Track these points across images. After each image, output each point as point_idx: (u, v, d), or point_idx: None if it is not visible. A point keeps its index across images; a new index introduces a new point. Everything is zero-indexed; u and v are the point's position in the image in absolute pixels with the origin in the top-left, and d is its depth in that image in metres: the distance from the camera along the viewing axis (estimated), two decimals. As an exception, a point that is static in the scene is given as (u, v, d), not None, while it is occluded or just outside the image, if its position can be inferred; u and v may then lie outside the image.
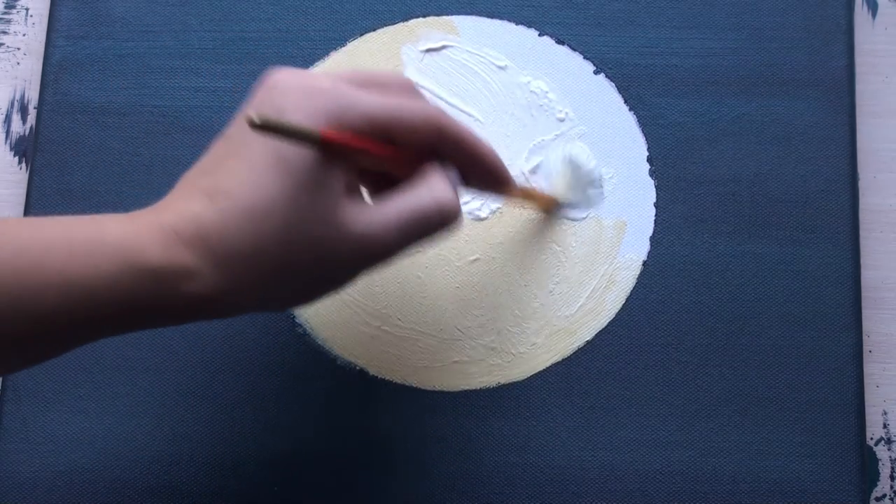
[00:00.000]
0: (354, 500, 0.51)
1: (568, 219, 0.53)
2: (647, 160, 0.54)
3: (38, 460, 0.51)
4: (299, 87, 0.36)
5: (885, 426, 0.53)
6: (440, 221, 0.38)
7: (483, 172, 0.42)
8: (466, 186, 0.42)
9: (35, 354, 0.37)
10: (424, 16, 0.56)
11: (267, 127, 0.32)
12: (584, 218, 0.53)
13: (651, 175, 0.54)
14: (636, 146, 0.54)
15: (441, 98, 0.54)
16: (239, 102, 0.39)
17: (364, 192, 0.42)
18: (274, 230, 0.35)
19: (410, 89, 0.40)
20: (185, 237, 0.35)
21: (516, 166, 0.53)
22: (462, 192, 0.41)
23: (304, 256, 0.36)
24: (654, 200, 0.53)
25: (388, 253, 0.38)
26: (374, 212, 0.37)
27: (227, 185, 0.36)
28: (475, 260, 0.53)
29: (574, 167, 0.53)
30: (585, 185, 0.53)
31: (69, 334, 0.36)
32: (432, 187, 0.38)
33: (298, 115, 0.35)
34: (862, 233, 0.54)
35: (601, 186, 0.54)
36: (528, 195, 0.50)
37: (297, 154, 0.35)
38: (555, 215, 0.53)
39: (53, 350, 0.37)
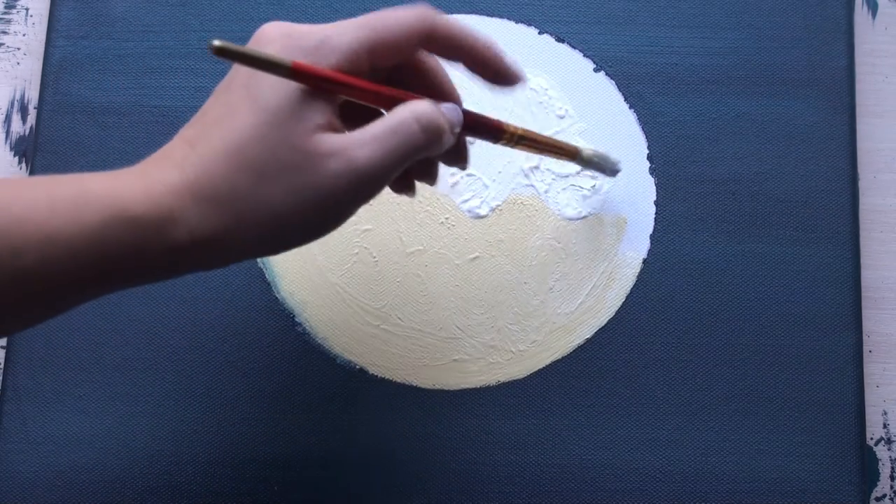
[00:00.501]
0: (354, 500, 0.50)
1: (585, 167, 0.52)
2: (647, 158, 0.54)
3: (38, 460, 0.51)
4: (280, 32, 0.37)
5: (885, 426, 0.53)
6: (418, 128, 0.37)
7: (484, 63, 0.40)
8: (469, 131, 0.42)
9: (24, 316, 0.37)
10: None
11: (229, 53, 0.33)
12: (581, 170, 0.53)
13: (651, 173, 0.54)
14: (636, 144, 0.54)
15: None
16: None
17: None
18: (246, 166, 0.35)
19: (391, 11, 0.39)
20: (168, 185, 0.35)
21: (516, 164, 0.53)
22: (457, 127, 0.40)
23: (282, 190, 0.36)
24: (655, 198, 0.53)
25: (368, 169, 0.36)
26: (352, 135, 0.37)
27: (208, 132, 0.36)
28: (475, 258, 0.53)
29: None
30: (607, 160, 0.52)
31: (55, 293, 0.35)
32: (411, 105, 0.38)
33: (273, 49, 0.36)
34: (862, 233, 0.54)
35: (614, 171, 0.52)
36: (540, 139, 0.47)
37: (270, 94, 0.35)
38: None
39: (41, 311, 0.37)
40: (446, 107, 0.39)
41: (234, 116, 0.36)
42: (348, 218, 0.38)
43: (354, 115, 0.40)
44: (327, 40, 0.36)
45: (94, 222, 0.34)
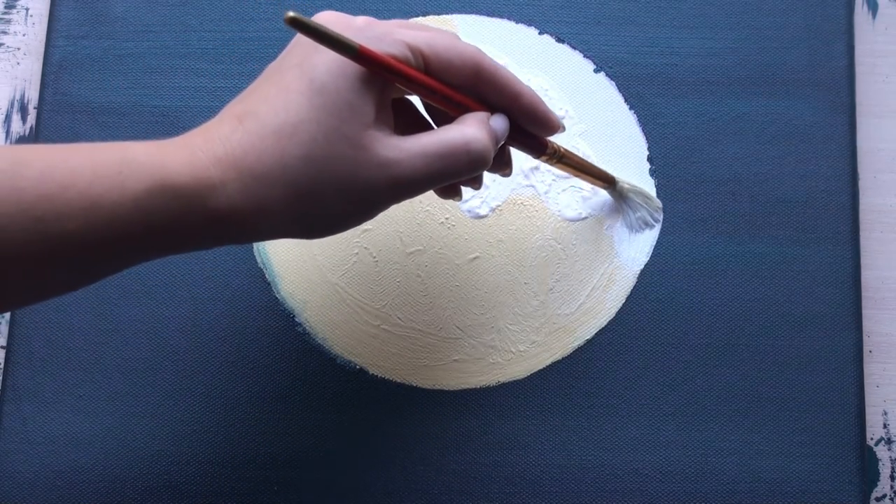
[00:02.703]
0: (354, 500, 0.51)
1: (614, 213, 0.53)
2: (648, 159, 0.54)
3: (38, 460, 0.51)
4: (338, 19, 0.38)
5: (885, 426, 0.53)
6: (466, 158, 0.38)
7: (525, 113, 0.41)
8: (513, 142, 0.43)
9: (63, 280, 0.37)
10: (424, 14, 0.56)
11: (305, 27, 0.33)
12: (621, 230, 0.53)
13: (651, 174, 0.54)
14: (636, 145, 0.54)
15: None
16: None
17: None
18: (299, 148, 0.36)
19: (451, 34, 0.40)
20: (212, 156, 0.36)
21: (516, 164, 0.53)
22: (502, 140, 0.41)
23: (328, 176, 0.36)
24: (654, 199, 0.54)
25: (411, 182, 0.38)
26: (402, 141, 0.38)
27: (257, 107, 0.37)
28: (475, 258, 0.53)
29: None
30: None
31: (95, 258, 0.36)
32: (464, 127, 0.39)
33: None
34: (862, 233, 0.54)
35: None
36: (575, 160, 0.48)
37: (328, 78, 0.36)
38: (607, 197, 0.53)
39: (82, 276, 0.37)
40: (496, 120, 0.40)
41: (287, 95, 0.36)
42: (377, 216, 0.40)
43: (402, 111, 0.42)
44: (390, 33, 0.37)
45: (138, 190, 0.35)
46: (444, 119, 0.41)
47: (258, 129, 0.36)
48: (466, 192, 0.53)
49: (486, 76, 0.39)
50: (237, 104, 0.38)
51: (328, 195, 0.37)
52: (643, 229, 0.53)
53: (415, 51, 0.37)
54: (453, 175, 0.38)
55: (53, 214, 0.34)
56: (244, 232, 0.37)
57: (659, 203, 0.53)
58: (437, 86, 0.39)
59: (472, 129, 0.38)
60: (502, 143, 0.41)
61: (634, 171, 0.54)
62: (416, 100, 0.44)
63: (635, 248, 0.53)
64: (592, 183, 0.51)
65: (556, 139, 0.46)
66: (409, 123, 0.43)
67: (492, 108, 0.41)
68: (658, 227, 0.53)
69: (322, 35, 0.34)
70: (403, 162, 0.37)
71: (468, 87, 0.40)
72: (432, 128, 0.43)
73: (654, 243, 0.53)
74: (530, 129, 0.42)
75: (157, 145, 0.36)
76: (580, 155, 0.49)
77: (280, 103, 0.36)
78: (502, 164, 0.45)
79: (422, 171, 0.37)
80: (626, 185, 0.52)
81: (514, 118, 0.41)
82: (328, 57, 0.36)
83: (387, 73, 0.36)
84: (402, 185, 0.38)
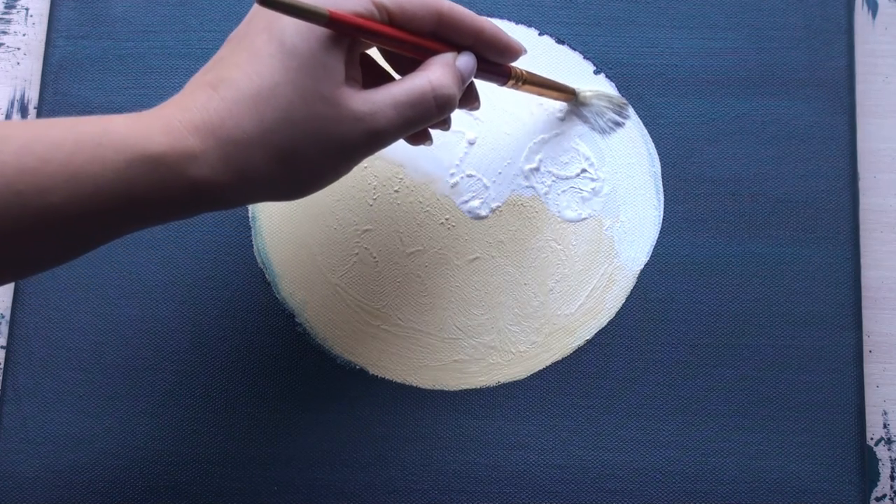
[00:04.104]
0: (354, 500, 0.51)
1: (585, 122, 0.54)
2: (649, 159, 0.54)
3: (38, 460, 0.51)
4: None
5: (885, 426, 0.53)
6: (434, 103, 0.40)
7: (488, 45, 0.43)
8: (480, 74, 0.44)
9: (49, 253, 0.37)
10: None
11: (276, 4, 0.34)
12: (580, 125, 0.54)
13: (652, 174, 0.54)
14: (636, 145, 0.54)
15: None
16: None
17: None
18: (278, 111, 0.37)
19: None
20: (190, 125, 0.36)
21: (516, 165, 0.53)
22: (470, 78, 0.42)
23: (308, 136, 0.37)
24: (655, 199, 0.53)
25: (386, 132, 0.39)
26: (373, 94, 0.39)
27: (231, 75, 0.37)
28: (475, 259, 0.53)
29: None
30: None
31: (79, 231, 0.36)
32: (429, 72, 0.40)
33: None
34: (862, 233, 0.54)
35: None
36: (538, 80, 0.49)
37: (299, 39, 0.37)
38: (573, 112, 0.54)
39: (67, 249, 0.37)
40: (462, 60, 0.42)
41: (259, 60, 0.37)
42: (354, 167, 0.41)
43: (364, 64, 0.43)
44: None
45: (118, 161, 0.35)
46: (405, 65, 0.43)
47: (234, 95, 0.37)
48: (467, 193, 0.53)
49: (447, 19, 0.41)
50: (207, 73, 0.38)
51: (309, 154, 0.38)
52: (615, 129, 0.54)
53: (379, 6, 0.38)
54: (425, 120, 0.40)
55: (34, 188, 0.34)
56: (227, 198, 0.38)
57: (623, 99, 0.54)
58: (406, 37, 0.40)
59: (437, 74, 0.40)
60: (470, 80, 0.42)
61: (636, 172, 0.54)
62: (373, 51, 0.45)
63: (635, 248, 0.53)
64: (556, 98, 0.52)
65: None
66: (373, 76, 0.43)
67: (458, 47, 0.42)
68: (639, 133, 0.53)
69: (293, 9, 0.35)
70: (378, 114, 0.38)
71: (432, 31, 0.41)
72: (393, 78, 0.44)
73: (654, 243, 0.53)
74: (495, 59, 0.44)
75: (135, 117, 0.37)
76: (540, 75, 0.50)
77: (253, 68, 0.37)
78: (471, 100, 0.46)
79: (395, 121, 0.39)
80: (588, 92, 0.53)
81: (478, 52, 0.43)
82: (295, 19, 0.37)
83: (357, 33, 0.38)
84: (379, 136, 0.39)
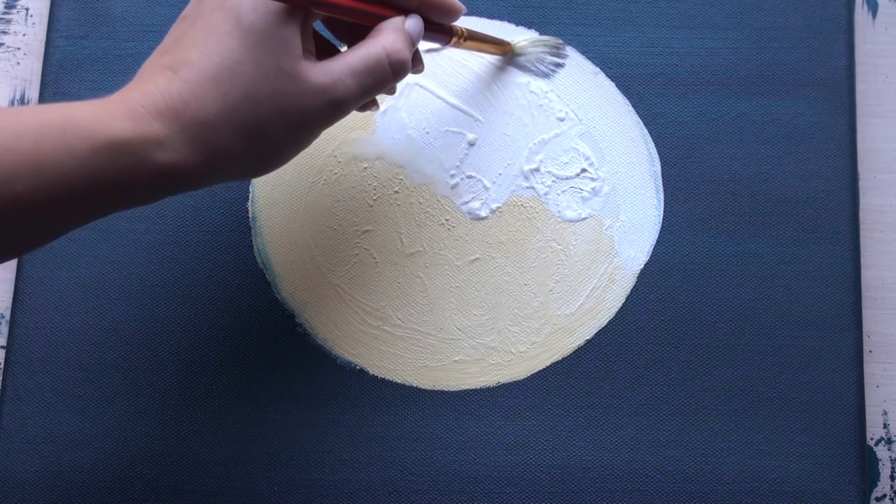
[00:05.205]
0: (354, 500, 0.51)
1: (528, 73, 0.55)
2: (649, 160, 0.54)
3: (38, 460, 0.51)
4: None
5: (885, 426, 0.53)
6: (390, 68, 0.41)
7: (432, 6, 0.44)
8: (428, 34, 0.45)
9: (14, 242, 0.37)
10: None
11: None
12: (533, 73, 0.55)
13: (652, 174, 0.54)
14: (636, 145, 0.54)
15: (441, 98, 0.54)
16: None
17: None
18: (241, 89, 0.37)
19: None
20: (153, 110, 0.37)
21: (516, 166, 0.53)
22: (419, 40, 0.43)
23: (273, 112, 0.38)
24: (655, 199, 0.53)
25: (346, 101, 0.40)
26: (330, 64, 0.40)
27: (190, 56, 0.37)
28: (475, 259, 0.53)
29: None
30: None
31: (47, 218, 0.36)
32: (381, 38, 0.41)
33: None
34: (862, 233, 0.54)
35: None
36: (477, 36, 0.51)
37: (255, 16, 0.37)
38: (515, 66, 0.55)
39: (36, 237, 0.37)
40: (410, 23, 0.43)
41: (217, 39, 0.37)
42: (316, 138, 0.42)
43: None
44: None
45: (82, 149, 0.35)
46: (347, 34, 0.44)
47: (196, 76, 0.37)
48: (467, 194, 0.53)
49: None
50: (164, 56, 0.38)
51: (275, 130, 0.38)
52: (557, 70, 0.55)
53: None
54: (381, 86, 0.41)
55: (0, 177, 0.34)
56: (194, 180, 0.38)
57: (558, 40, 0.55)
58: (356, 5, 0.41)
59: (390, 39, 0.41)
60: (419, 41, 0.43)
61: (636, 171, 0.54)
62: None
63: (635, 248, 0.53)
64: (494, 52, 0.53)
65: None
66: (321, 47, 0.44)
67: (404, 11, 0.43)
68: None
69: None
70: (337, 84, 0.39)
71: None
72: (336, 48, 0.45)
73: (654, 243, 0.53)
74: (439, 19, 0.45)
75: (97, 103, 0.37)
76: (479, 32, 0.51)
77: (212, 48, 0.37)
78: (416, 63, 0.47)
79: (354, 90, 0.40)
80: (523, 42, 0.54)
81: (423, 14, 0.44)
82: None
83: (311, 4, 0.38)
84: (340, 106, 0.40)
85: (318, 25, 0.46)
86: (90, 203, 0.36)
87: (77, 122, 0.35)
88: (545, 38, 0.55)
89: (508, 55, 0.54)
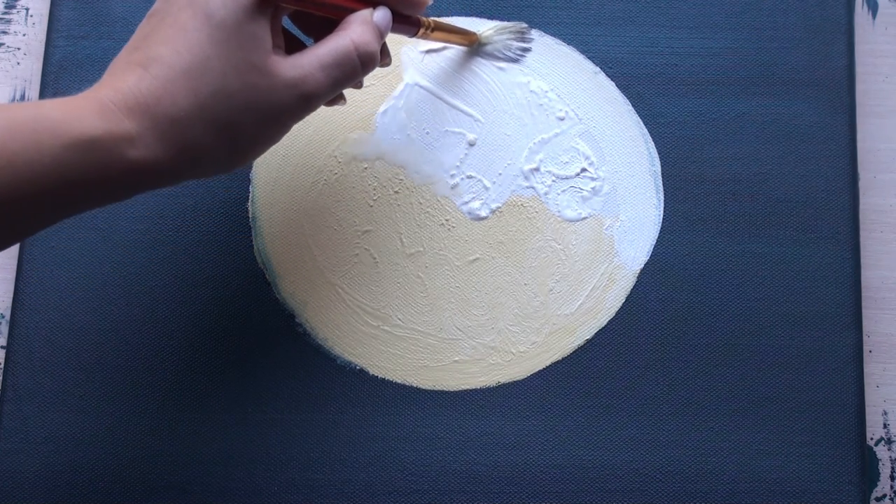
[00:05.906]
0: (354, 500, 0.51)
1: (494, 63, 0.55)
2: (649, 159, 0.54)
3: (38, 460, 0.51)
4: None
5: (885, 426, 0.53)
6: (359, 61, 0.41)
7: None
8: (396, 26, 0.45)
9: None
10: (425, 16, 0.56)
11: None
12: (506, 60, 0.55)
13: (652, 174, 0.54)
14: (636, 145, 0.54)
15: (441, 98, 0.54)
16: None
17: None
18: (213, 85, 0.37)
19: None
20: (124, 107, 0.37)
21: (516, 165, 0.53)
22: (387, 32, 0.44)
23: (244, 107, 0.38)
24: (655, 199, 0.53)
25: (316, 95, 0.40)
26: (300, 59, 0.40)
27: (160, 52, 0.37)
28: (475, 260, 0.53)
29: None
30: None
31: (19, 216, 0.36)
32: (349, 32, 0.41)
33: None
34: (862, 233, 0.54)
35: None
36: (444, 27, 0.51)
37: (225, 12, 0.37)
38: (484, 55, 0.55)
39: (9, 235, 0.37)
40: (378, 15, 0.43)
41: (187, 35, 0.37)
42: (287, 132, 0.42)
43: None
44: None
45: (54, 147, 0.35)
46: (314, 27, 0.44)
47: (166, 73, 0.37)
48: (467, 194, 0.53)
49: None
50: (134, 52, 0.38)
51: (246, 125, 0.38)
52: (525, 54, 0.55)
53: None
54: (350, 79, 0.41)
55: None
56: (167, 177, 0.38)
57: (523, 24, 0.55)
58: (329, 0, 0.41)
59: (358, 32, 0.41)
60: (387, 33, 0.43)
61: (636, 171, 0.54)
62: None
63: (635, 248, 0.53)
64: (461, 43, 0.53)
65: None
66: (288, 42, 0.44)
67: (372, 4, 0.43)
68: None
69: None
70: (307, 78, 0.39)
71: None
72: (302, 42, 0.45)
73: (654, 243, 0.53)
74: (406, 11, 0.45)
75: (68, 101, 0.37)
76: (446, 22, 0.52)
77: (182, 44, 0.37)
78: (383, 56, 0.47)
79: (324, 83, 0.40)
80: (489, 31, 0.54)
81: (390, 6, 0.44)
82: None
83: (283, 1, 0.39)
84: (310, 100, 0.40)
85: (285, 21, 0.46)
86: (63, 200, 0.36)
87: (48, 120, 0.35)
88: (510, 24, 0.55)
89: (476, 45, 0.54)
